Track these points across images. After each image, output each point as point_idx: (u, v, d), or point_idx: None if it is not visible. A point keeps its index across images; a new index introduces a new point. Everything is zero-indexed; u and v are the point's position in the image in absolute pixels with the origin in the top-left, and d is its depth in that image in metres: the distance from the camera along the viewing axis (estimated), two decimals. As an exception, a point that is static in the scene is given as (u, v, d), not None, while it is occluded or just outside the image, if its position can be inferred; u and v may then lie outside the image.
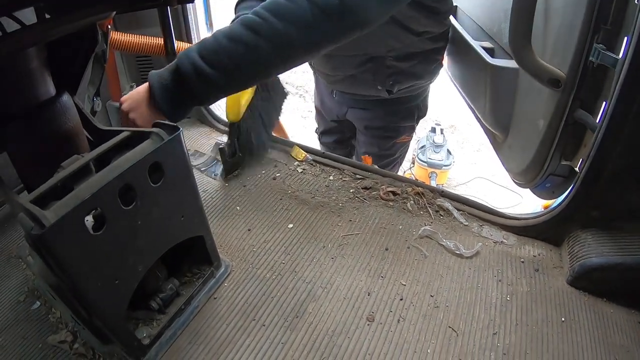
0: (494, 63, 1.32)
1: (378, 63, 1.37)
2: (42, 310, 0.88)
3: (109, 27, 1.08)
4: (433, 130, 3.11)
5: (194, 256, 0.91)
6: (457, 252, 1.03)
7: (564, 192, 1.11)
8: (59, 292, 0.72)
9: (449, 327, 0.86)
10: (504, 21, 1.30)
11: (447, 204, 1.15)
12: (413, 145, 3.18)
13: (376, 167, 1.32)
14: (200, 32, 1.55)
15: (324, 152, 1.37)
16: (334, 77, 1.49)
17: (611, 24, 0.95)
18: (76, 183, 0.68)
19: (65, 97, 0.77)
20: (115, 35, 1.31)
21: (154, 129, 0.72)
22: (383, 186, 1.22)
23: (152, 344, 0.79)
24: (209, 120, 1.58)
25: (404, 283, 0.95)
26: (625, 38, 0.90)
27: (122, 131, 0.76)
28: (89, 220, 0.67)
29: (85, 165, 0.69)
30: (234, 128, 1.22)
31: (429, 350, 0.82)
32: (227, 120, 1.23)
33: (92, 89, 1.09)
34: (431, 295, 0.93)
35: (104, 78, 1.12)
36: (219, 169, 1.29)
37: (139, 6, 0.75)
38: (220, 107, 1.62)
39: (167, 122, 0.73)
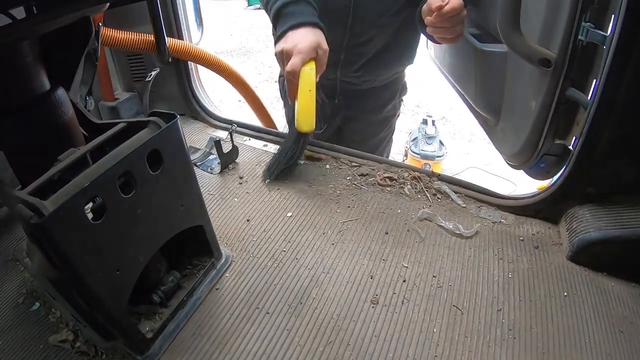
0: (484, 48, 1.32)
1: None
2: (41, 311, 0.87)
3: (100, 24, 1.07)
4: (425, 122, 3.13)
5: (194, 248, 0.91)
6: (457, 232, 1.04)
7: (558, 172, 1.12)
8: (59, 288, 0.71)
9: (454, 305, 0.87)
10: (491, 8, 1.30)
11: (445, 187, 1.16)
12: (405, 138, 3.20)
13: (372, 154, 1.32)
14: (191, 28, 1.55)
15: (319, 142, 1.37)
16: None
17: (598, 2, 0.95)
18: (73, 175, 0.68)
19: (60, 91, 0.76)
20: (106, 32, 1.30)
21: (151, 118, 0.72)
22: (379, 172, 1.23)
23: (155, 338, 0.78)
24: (202, 116, 1.58)
25: (406, 265, 0.95)
26: (613, 15, 0.91)
27: (118, 123, 0.76)
28: (88, 211, 0.66)
29: (82, 157, 0.68)
30: (305, 137, 1.22)
31: (434, 330, 0.82)
32: (293, 128, 1.21)
33: (85, 88, 1.08)
34: (434, 276, 0.93)
35: (95, 78, 1.11)
36: (215, 163, 1.29)
37: None
38: (212, 103, 1.62)
39: (164, 110, 0.73)
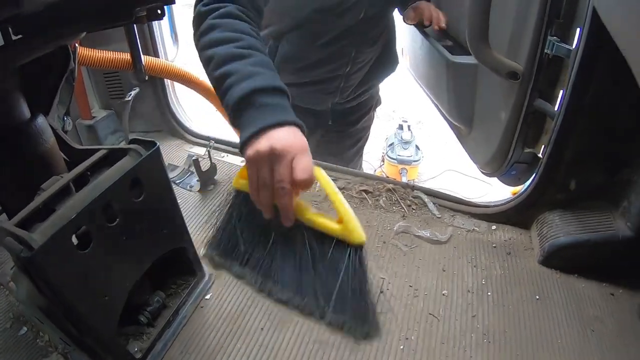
0: (455, 60, 1.37)
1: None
2: (29, 336, 0.88)
3: (76, 44, 1.08)
4: (400, 127, 3.19)
5: (177, 268, 0.92)
6: (434, 239, 1.08)
7: (529, 178, 1.16)
8: (49, 314, 0.72)
9: (430, 314, 0.90)
10: (462, 20, 1.36)
11: (422, 196, 1.20)
12: (382, 144, 3.24)
13: (347, 168, 1.36)
14: (166, 45, 1.56)
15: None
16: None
17: (563, 17, 1.01)
18: (57, 204, 0.69)
19: (40, 119, 0.77)
20: (83, 52, 1.30)
21: (132, 145, 0.74)
22: (355, 185, 1.26)
23: (144, 358, 0.80)
24: (180, 132, 1.59)
25: (383, 277, 0.98)
26: (578, 29, 0.96)
27: (99, 149, 0.77)
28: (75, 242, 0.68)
29: (65, 185, 0.70)
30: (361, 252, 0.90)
31: (412, 338, 0.85)
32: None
33: (62, 108, 1.09)
34: (410, 286, 0.96)
35: (72, 97, 1.11)
36: (194, 180, 1.31)
37: (110, 25, 0.76)
38: (190, 119, 1.63)
39: (143, 138, 0.75)
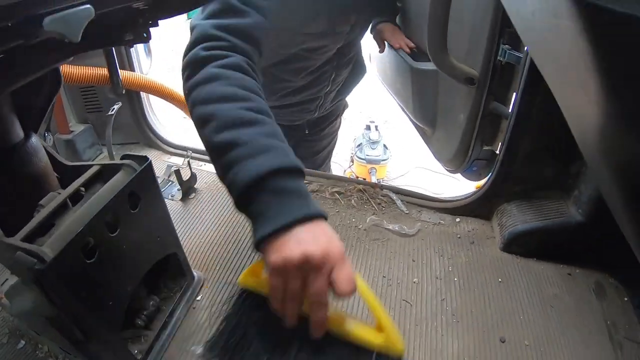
0: (417, 66, 1.47)
1: None
2: (28, 348, 0.90)
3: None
4: (368, 127, 3.27)
5: (168, 273, 0.98)
6: (403, 232, 1.17)
7: (489, 173, 1.25)
8: (54, 323, 0.76)
9: (403, 300, 0.99)
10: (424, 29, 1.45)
11: (391, 194, 1.29)
12: (350, 144, 3.33)
13: (320, 172, 1.44)
14: (140, 58, 1.59)
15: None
16: None
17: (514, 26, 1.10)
18: (56, 219, 0.74)
19: (34, 139, 0.81)
20: (62, 69, 1.33)
21: (125, 161, 0.80)
22: (328, 188, 1.34)
23: (144, 359, 0.85)
24: (157, 144, 1.63)
25: (359, 270, 1.07)
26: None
27: (91, 165, 0.83)
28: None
29: (63, 201, 0.76)
30: None
31: (389, 322, 0.94)
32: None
33: (44, 125, 1.11)
34: (383, 276, 1.05)
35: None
36: (175, 189, 1.36)
37: (100, 47, 0.80)
38: (165, 129, 1.68)
39: (134, 153, 0.81)
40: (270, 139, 0.66)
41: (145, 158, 0.80)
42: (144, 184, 0.79)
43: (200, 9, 0.81)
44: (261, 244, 0.61)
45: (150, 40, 0.80)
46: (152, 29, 0.79)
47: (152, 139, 1.63)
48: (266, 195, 0.61)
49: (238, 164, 0.63)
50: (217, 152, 0.67)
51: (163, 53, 5.97)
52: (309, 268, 0.58)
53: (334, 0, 1.13)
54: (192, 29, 0.80)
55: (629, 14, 0.40)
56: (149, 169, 0.79)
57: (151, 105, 1.69)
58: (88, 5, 0.48)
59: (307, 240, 0.59)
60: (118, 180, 0.77)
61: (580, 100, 0.62)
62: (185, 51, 0.78)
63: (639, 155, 0.52)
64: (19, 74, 0.70)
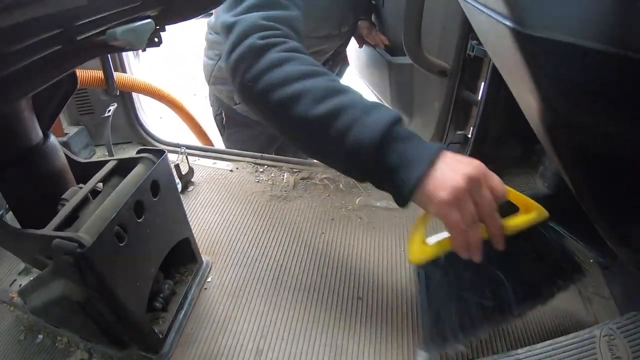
0: (394, 61, 1.57)
1: None
2: (46, 342, 0.94)
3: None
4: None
5: (180, 257, 1.04)
6: (389, 207, 1.27)
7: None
8: (84, 308, 0.77)
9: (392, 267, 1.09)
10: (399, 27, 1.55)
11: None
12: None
13: (308, 160, 1.52)
14: (131, 61, 1.64)
15: (261, 155, 1.54)
16: None
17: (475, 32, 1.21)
18: (79, 211, 0.81)
19: (52, 139, 0.86)
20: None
21: (143, 155, 0.87)
22: (318, 175, 1.43)
23: (165, 337, 0.92)
24: (150, 142, 1.68)
25: (353, 242, 1.17)
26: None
27: (107, 161, 0.90)
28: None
29: (85, 195, 0.82)
30: None
31: (397, 288, 1.04)
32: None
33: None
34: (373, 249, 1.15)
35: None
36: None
37: (116, 51, 0.85)
38: (158, 127, 1.73)
39: (151, 147, 0.88)
40: (366, 100, 0.68)
41: (162, 151, 0.87)
42: (163, 173, 0.86)
43: (223, 7, 0.84)
44: (415, 188, 0.63)
45: (161, 45, 0.85)
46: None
47: (145, 138, 1.68)
48: (399, 142, 0.64)
49: (357, 124, 0.65)
50: (323, 122, 0.67)
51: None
52: (473, 187, 0.62)
53: (341, 3, 1.19)
54: (228, 26, 0.80)
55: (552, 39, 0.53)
56: (166, 160, 0.87)
57: (142, 105, 1.74)
58: (150, 20, 0.55)
59: (456, 167, 0.63)
60: (140, 171, 0.84)
61: (523, 91, 0.73)
62: (230, 47, 0.77)
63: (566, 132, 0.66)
64: (52, 76, 0.73)
